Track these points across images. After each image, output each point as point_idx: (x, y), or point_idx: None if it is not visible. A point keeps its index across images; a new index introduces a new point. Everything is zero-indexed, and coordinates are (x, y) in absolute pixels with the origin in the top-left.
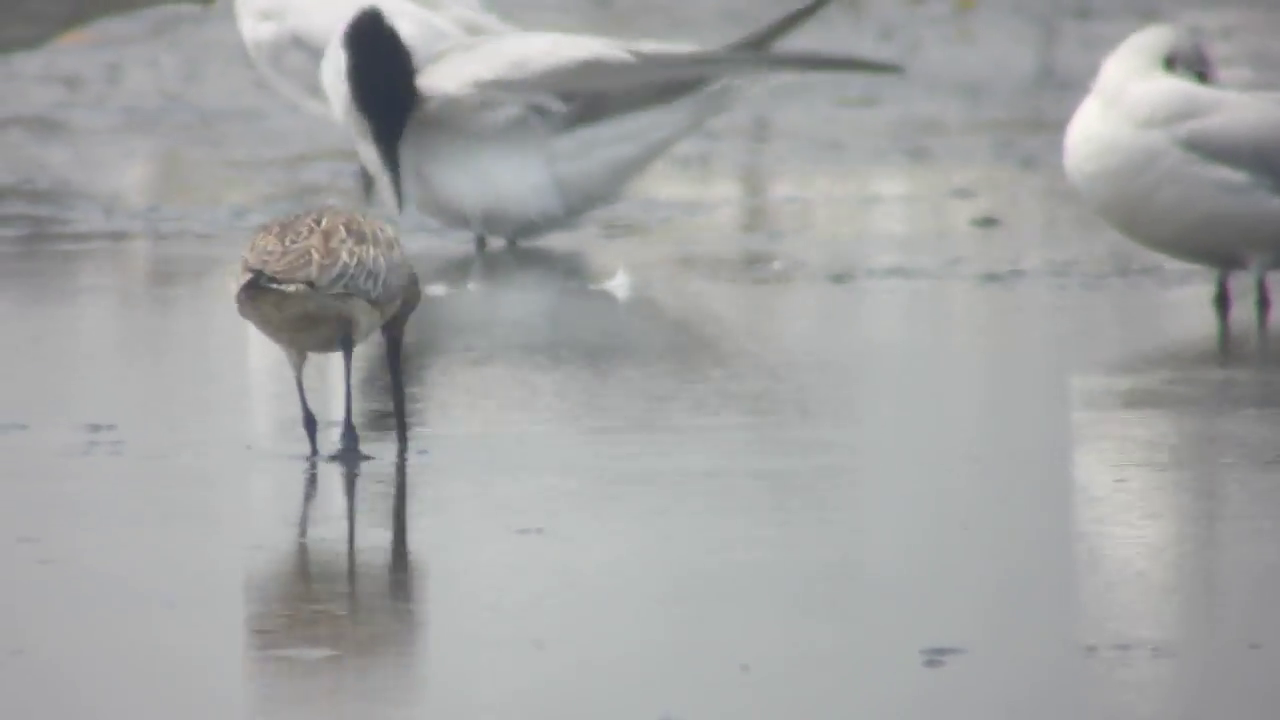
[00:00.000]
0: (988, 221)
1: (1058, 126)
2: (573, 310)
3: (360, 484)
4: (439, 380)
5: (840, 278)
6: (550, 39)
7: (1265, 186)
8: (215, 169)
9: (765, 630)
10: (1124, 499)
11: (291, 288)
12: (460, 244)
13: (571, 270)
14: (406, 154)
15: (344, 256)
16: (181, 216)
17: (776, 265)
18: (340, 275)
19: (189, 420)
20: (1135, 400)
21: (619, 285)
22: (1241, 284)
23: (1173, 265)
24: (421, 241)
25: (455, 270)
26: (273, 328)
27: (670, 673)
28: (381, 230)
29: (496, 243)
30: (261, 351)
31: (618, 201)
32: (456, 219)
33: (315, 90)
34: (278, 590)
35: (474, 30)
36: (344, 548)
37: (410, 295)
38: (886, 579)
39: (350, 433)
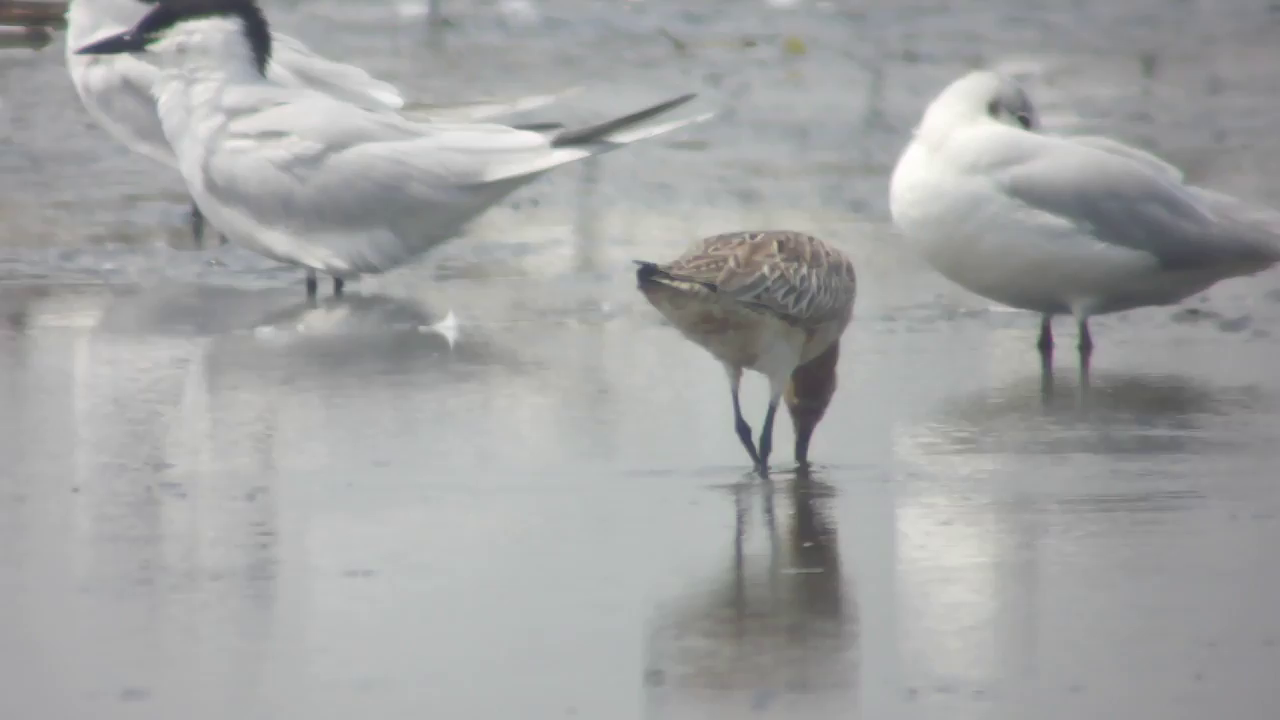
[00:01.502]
0: None
1: (886, 170)
2: (403, 352)
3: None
4: (266, 419)
5: (669, 321)
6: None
7: (1088, 232)
8: (45, 211)
9: (596, 677)
10: (948, 542)
11: (686, 286)
12: (292, 284)
13: (401, 312)
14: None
15: (764, 269)
16: (11, 259)
17: (606, 307)
18: (753, 285)
19: (14, 463)
20: (960, 443)
21: (448, 327)
22: (1065, 328)
23: (998, 309)
24: (252, 283)
25: (285, 312)
26: (683, 328)
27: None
28: (829, 254)
29: (326, 285)
30: (89, 394)
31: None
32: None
33: (145, 133)
34: (105, 635)
35: (302, 74)
36: (159, 591)
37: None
38: (710, 623)
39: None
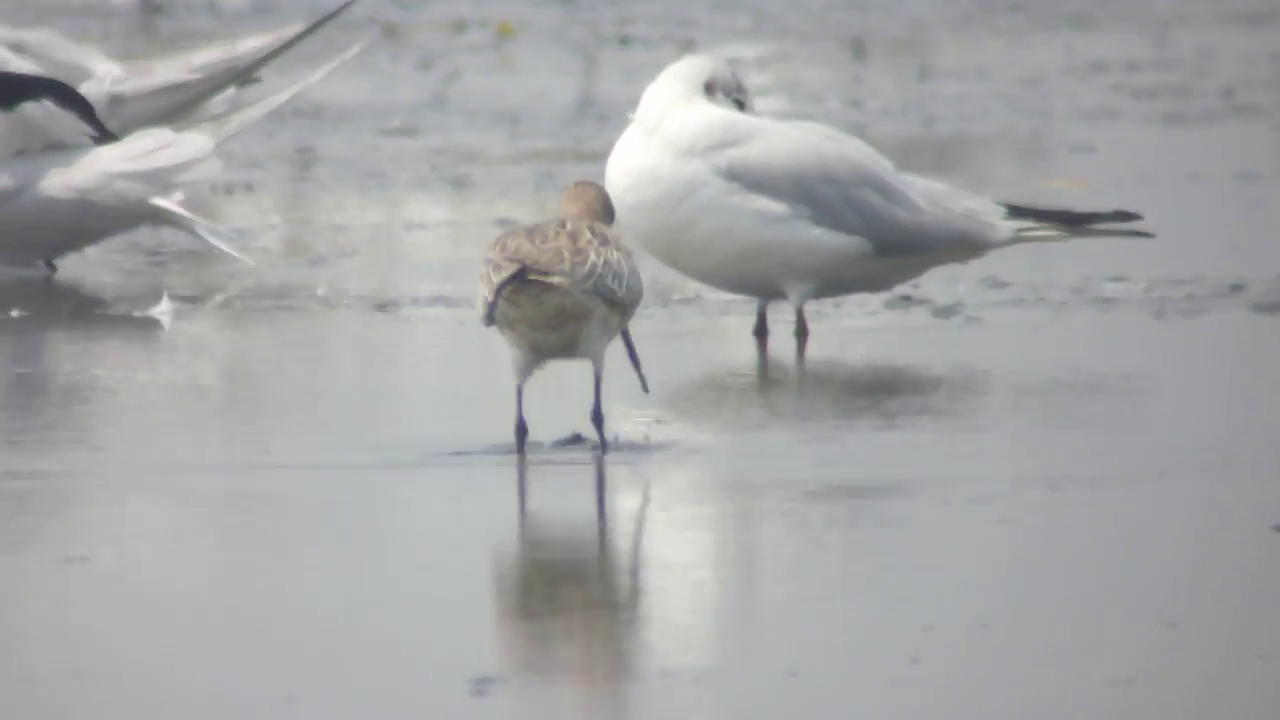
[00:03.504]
0: None
1: (599, 156)
2: (117, 336)
3: None
4: None
5: (383, 306)
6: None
7: (804, 217)
8: None
9: (315, 665)
10: (667, 530)
11: (556, 279)
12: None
13: (115, 296)
14: None
15: (592, 256)
16: None
17: (320, 292)
18: (589, 274)
19: None
20: (678, 430)
21: (162, 311)
22: (781, 314)
23: (714, 295)
24: None
25: None
26: (527, 326)
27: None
28: (618, 238)
29: (37, 270)
30: None
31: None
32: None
33: None
34: None
35: (17, 48)
36: None
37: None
38: (426, 610)
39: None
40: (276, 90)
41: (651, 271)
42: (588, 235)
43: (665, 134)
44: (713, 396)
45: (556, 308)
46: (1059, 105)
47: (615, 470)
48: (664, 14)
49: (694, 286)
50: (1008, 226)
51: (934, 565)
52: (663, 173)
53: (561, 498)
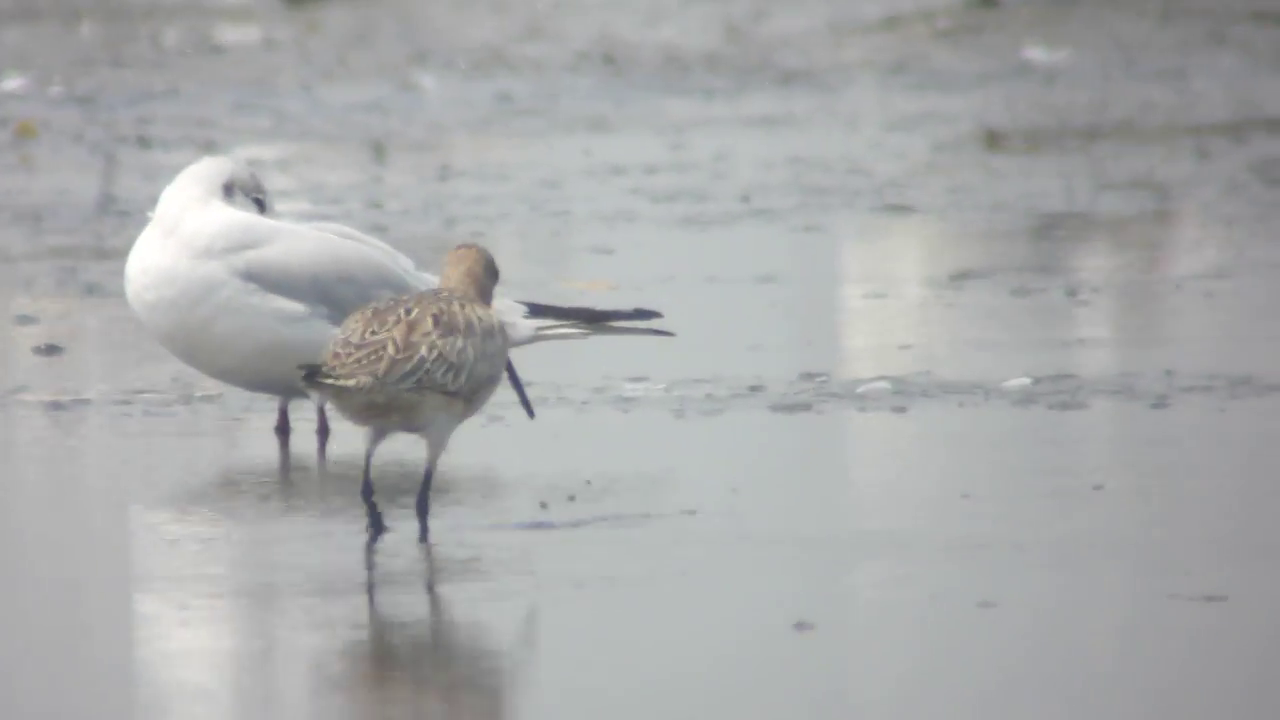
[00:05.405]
0: (51, 349)
1: (120, 254)
2: None
3: None
4: None
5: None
6: None
7: (322, 316)
8: None
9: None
10: (189, 628)
11: (352, 382)
12: None
13: None
14: None
15: (423, 351)
16: None
17: None
18: (413, 371)
19: None
20: (199, 528)
21: None
22: (302, 412)
23: (235, 393)
24: None
25: None
26: (348, 416)
27: None
28: (480, 319)
29: None
30: None
31: None
32: None
33: None
34: None
35: None
36: None
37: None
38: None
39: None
40: None
41: (173, 369)
42: (428, 325)
43: (182, 235)
44: (234, 493)
45: (365, 404)
46: (578, 207)
47: (135, 575)
48: (183, 114)
49: (217, 384)
50: (528, 325)
51: (447, 665)
52: (179, 272)
53: (69, 607)
